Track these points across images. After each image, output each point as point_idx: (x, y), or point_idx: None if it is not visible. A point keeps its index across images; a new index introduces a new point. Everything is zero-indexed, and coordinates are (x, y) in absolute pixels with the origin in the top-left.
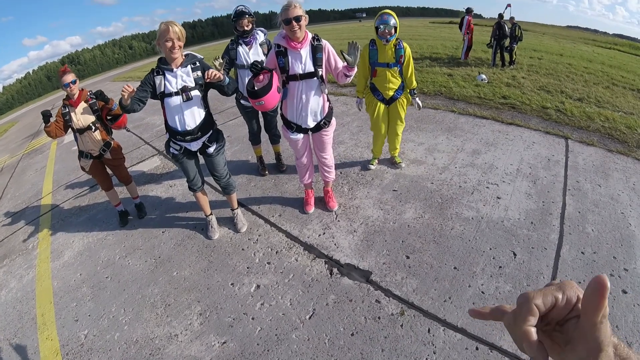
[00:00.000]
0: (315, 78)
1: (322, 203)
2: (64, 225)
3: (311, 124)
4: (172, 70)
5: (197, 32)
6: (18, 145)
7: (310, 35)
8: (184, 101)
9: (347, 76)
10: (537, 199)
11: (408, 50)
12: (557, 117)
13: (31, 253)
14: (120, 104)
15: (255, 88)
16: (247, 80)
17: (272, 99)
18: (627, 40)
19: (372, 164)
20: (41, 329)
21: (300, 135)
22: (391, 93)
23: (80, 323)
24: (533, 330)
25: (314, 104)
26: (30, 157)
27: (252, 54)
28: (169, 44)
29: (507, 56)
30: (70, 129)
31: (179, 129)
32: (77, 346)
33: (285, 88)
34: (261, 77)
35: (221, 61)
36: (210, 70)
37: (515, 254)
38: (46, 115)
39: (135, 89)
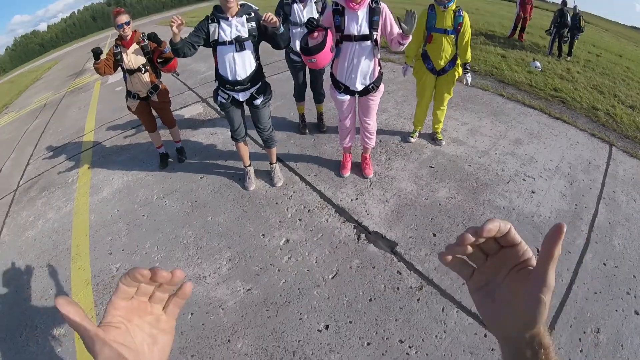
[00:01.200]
0: (370, 41)
1: (358, 169)
2: (104, 162)
3: (359, 87)
4: (227, 19)
5: None
6: (62, 83)
7: None
8: (236, 51)
9: (400, 44)
10: (570, 201)
11: (467, 18)
12: (606, 121)
13: (70, 187)
14: (170, 43)
15: (309, 45)
16: (298, 39)
17: (325, 57)
18: None
19: (413, 137)
20: (74, 259)
21: (347, 97)
22: (443, 63)
23: (113, 256)
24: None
25: (365, 67)
26: (74, 95)
27: (307, 12)
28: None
29: (565, 47)
30: (119, 68)
31: (230, 78)
32: (107, 278)
33: (338, 48)
34: (316, 34)
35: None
36: (269, 13)
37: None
38: (97, 53)
39: (183, 21)
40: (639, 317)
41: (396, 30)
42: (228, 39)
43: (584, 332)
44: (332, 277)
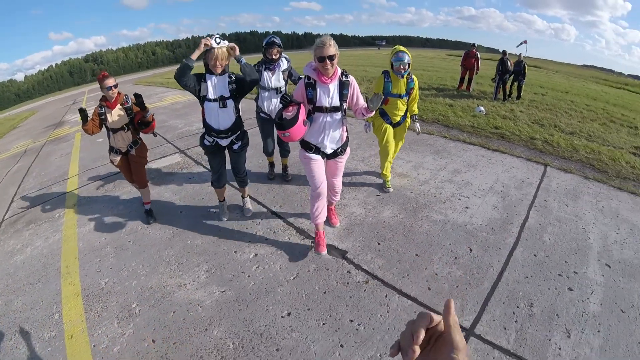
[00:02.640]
0: (340, 112)
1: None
2: (90, 201)
3: (329, 150)
4: (213, 78)
5: None
6: (41, 132)
7: (339, 71)
8: (220, 108)
9: (364, 115)
10: (502, 211)
11: (417, 83)
12: (543, 147)
13: (57, 220)
14: (188, 59)
15: (283, 119)
16: (266, 101)
17: (298, 131)
18: None
19: (389, 186)
20: (64, 277)
21: (318, 156)
22: (398, 118)
23: (102, 273)
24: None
25: (335, 134)
26: (55, 144)
27: (274, 79)
28: (213, 62)
29: (515, 91)
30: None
31: (214, 127)
32: (97, 290)
33: (310, 117)
34: (290, 108)
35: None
36: (232, 44)
37: (471, 250)
38: (85, 116)
39: (211, 42)
40: (573, 292)
41: (362, 102)
42: (213, 97)
43: (517, 307)
44: (293, 279)
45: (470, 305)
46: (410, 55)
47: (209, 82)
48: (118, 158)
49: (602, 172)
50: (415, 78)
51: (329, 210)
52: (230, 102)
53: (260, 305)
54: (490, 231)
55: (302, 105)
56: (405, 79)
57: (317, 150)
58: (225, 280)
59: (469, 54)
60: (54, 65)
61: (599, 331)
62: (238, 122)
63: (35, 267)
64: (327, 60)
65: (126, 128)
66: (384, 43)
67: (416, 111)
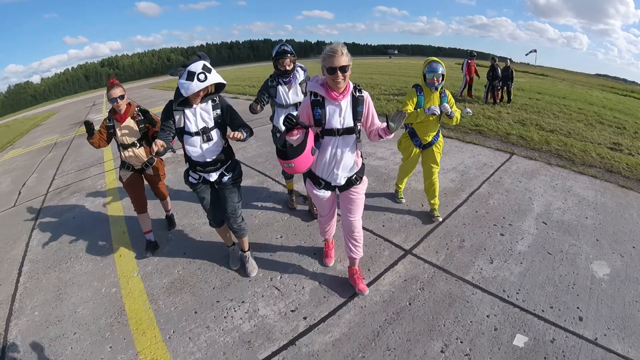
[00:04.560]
0: (354, 134)
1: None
2: None
3: (342, 181)
4: (191, 106)
5: (234, 53)
6: (66, 129)
7: (351, 85)
8: (204, 141)
9: (381, 138)
10: (458, 183)
11: (450, 97)
12: (516, 141)
13: (99, 190)
14: (155, 154)
15: (287, 146)
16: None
17: (305, 161)
18: None
19: (402, 197)
20: (113, 224)
21: (328, 193)
22: (430, 139)
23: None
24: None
25: (348, 161)
26: (83, 138)
27: (292, 93)
28: (192, 97)
29: (505, 95)
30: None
31: (200, 161)
32: (138, 230)
33: (318, 143)
34: (295, 132)
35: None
36: (234, 133)
37: (422, 205)
38: (90, 129)
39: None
40: (503, 237)
41: (377, 122)
42: (194, 129)
43: (451, 241)
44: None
45: (412, 237)
46: (444, 66)
47: (187, 113)
48: (128, 174)
49: (568, 160)
50: (448, 92)
51: (353, 271)
52: (215, 133)
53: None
54: (442, 196)
55: (310, 129)
56: (438, 93)
57: (327, 185)
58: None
59: (470, 63)
60: (70, 69)
61: (521, 263)
62: (228, 150)
63: (86, 219)
64: (339, 72)
65: (138, 144)
66: (396, 52)
67: (457, 115)
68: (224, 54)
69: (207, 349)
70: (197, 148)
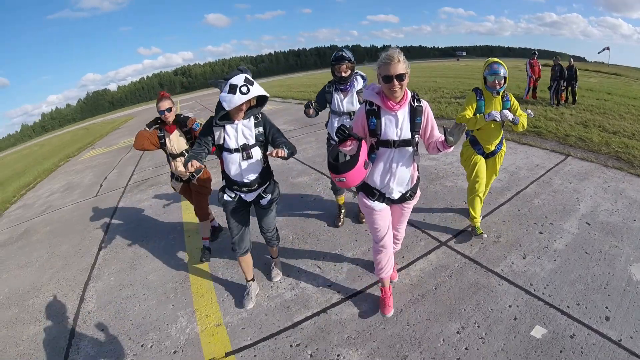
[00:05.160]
0: (411, 146)
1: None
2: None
3: (396, 195)
4: (233, 122)
5: (301, 60)
6: None
7: (409, 94)
8: (243, 159)
9: (439, 151)
10: (504, 183)
11: (514, 101)
12: (574, 142)
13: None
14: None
15: (339, 159)
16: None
17: (357, 175)
18: None
19: (481, 232)
20: (184, 211)
21: (383, 205)
22: (492, 147)
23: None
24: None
25: (404, 175)
26: None
27: (347, 102)
28: (234, 111)
29: (570, 96)
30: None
31: (237, 180)
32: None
33: (373, 154)
34: (348, 143)
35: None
36: (276, 151)
37: (465, 203)
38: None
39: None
40: (542, 235)
41: (437, 133)
42: (234, 146)
43: (487, 235)
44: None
45: (449, 231)
46: (506, 67)
47: (227, 128)
48: (179, 185)
49: (626, 162)
50: (511, 95)
51: (386, 292)
52: (256, 151)
53: None
54: (488, 194)
55: (363, 141)
56: (500, 97)
57: (382, 196)
58: None
59: (533, 63)
60: (145, 77)
61: (555, 260)
62: (267, 171)
63: (161, 207)
64: (395, 81)
65: (186, 154)
66: (464, 54)
67: (524, 121)
68: (291, 61)
69: (252, 310)
70: (236, 166)
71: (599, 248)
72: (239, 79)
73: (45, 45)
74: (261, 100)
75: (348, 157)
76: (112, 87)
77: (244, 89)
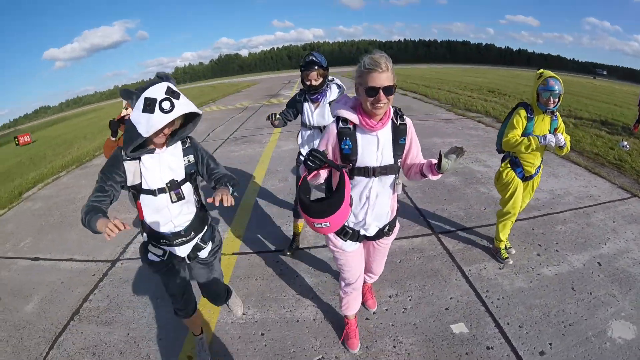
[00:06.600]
0: (393, 173)
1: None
2: (288, 137)
3: (373, 231)
4: (152, 151)
5: (430, 52)
6: (259, 98)
7: (392, 110)
8: (172, 201)
9: (423, 177)
10: (539, 203)
11: (561, 121)
12: None
13: (264, 143)
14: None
15: (311, 198)
16: (307, 143)
17: (343, 217)
18: None
19: (507, 256)
20: (259, 163)
21: (357, 245)
22: (533, 170)
23: (280, 172)
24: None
25: (383, 208)
26: (270, 107)
27: (317, 114)
28: (154, 135)
29: None
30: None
31: (166, 233)
32: (274, 169)
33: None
34: (322, 172)
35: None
36: (220, 196)
37: (485, 209)
38: (114, 130)
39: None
40: (538, 257)
41: (421, 156)
42: (158, 185)
43: (481, 241)
44: None
45: (450, 227)
46: (563, 84)
47: (146, 161)
48: None
49: None
50: (559, 115)
51: (363, 288)
52: (187, 188)
53: None
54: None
55: (344, 171)
56: (549, 116)
57: (355, 234)
58: None
59: None
60: (275, 48)
61: (531, 282)
62: (203, 212)
63: (244, 158)
64: (382, 94)
65: None
66: (604, 72)
67: (569, 145)
68: (420, 52)
69: None
70: (163, 212)
71: (592, 290)
72: (157, 91)
73: (187, 6)
74: (190, 117)
75: (321, 193)
76: (244, 52)
77: (166, 105)
